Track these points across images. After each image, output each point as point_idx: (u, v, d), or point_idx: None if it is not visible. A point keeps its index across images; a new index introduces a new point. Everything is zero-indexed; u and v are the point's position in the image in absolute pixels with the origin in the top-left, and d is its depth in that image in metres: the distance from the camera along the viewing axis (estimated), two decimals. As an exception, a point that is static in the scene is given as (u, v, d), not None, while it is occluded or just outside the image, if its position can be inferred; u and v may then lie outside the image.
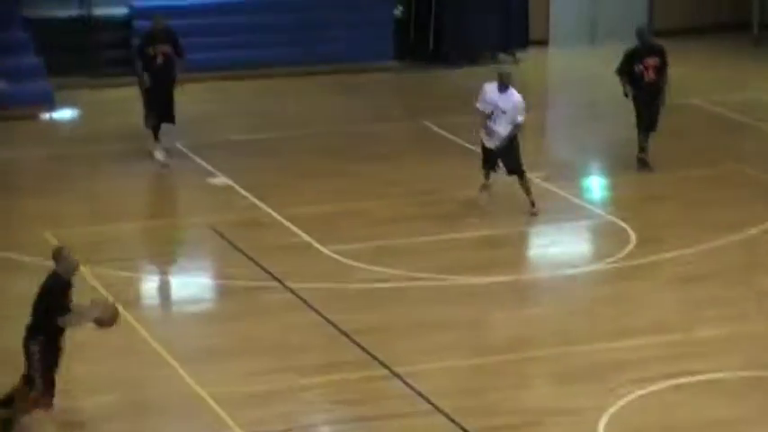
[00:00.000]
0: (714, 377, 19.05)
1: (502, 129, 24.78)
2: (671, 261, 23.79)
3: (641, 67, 27.54)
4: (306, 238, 24.70)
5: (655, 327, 21.19)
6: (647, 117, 27.38)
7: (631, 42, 31.62)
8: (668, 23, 36.09)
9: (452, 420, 18.00)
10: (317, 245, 24.38)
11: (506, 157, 25.06)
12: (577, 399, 18.88)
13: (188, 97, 30.95)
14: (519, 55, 36.40)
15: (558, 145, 31.55)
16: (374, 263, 23.40)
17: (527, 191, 25.33)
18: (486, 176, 25.44)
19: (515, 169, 25.12)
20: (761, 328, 21.13)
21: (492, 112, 24.72)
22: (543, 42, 36.55)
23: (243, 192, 27.67)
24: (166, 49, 29.33)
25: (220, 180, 28.80)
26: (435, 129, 29.95)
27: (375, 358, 19.77)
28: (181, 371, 18.73)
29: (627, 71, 27.67)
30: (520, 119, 24.89)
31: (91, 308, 16.34)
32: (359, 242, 24.43)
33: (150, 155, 29.40)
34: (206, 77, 34.50)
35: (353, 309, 21.59)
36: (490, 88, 24.94)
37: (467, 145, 29.02)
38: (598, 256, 24.54)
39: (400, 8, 35.95)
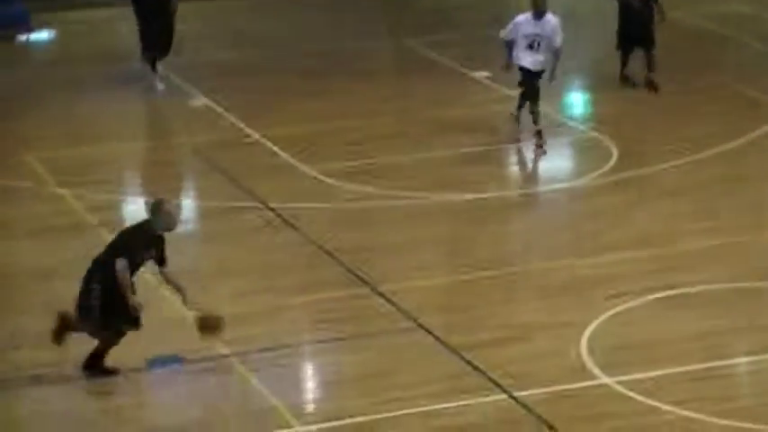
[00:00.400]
0: (697, 289, 19.30)
1: (542, 56, 24.50)
2: (653, 175, 23.99)
3: None
4: (287, 158, 24.76)
5: (638, 241, 21.42)
6: (645, 33, 27.24)
7: None
8: None
9: (436, 337, 18.23)
10: (298, 165, 24.49)
11: (533, 81, 24.74)
12: (561, 313, 19.12)
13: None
14: None
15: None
16: (356, 182, 23.56)
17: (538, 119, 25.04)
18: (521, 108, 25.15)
19: (532, 95, 24.76)
20: (744, 240, 21.39)
21: (532, 42, 24.32)
22: None
23: (224, 112, 27.73)
24: None
25: (202, 101, 28.89)
26: (417, 47, 29.88)
27: (358, 277, 19.96)
28: (163, 292, 18.56)
29: None
30: (558, 41, 24.65)
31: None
32: (341, 161, 24.59)
33: (150, 86, 29.44)
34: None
35: (336, 228, 21.75)
36: (524, 19, 24.49)
37: (449, 63, 29.13)
38: (580, 171, 24.76)
39: None
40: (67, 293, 16.79)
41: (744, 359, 17.95)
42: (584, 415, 16.60)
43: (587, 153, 25.29)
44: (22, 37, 34.31)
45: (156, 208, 16.06)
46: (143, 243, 15.94)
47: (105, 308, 15.88)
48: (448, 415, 16.51)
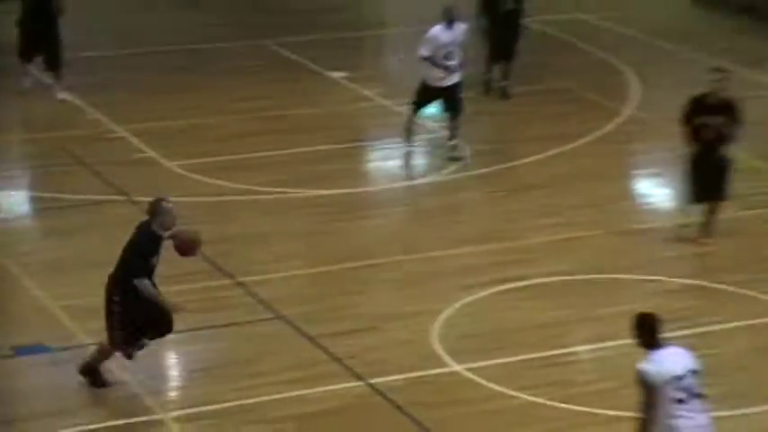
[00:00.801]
0: (541, 281, 19.76)
1: (456, 62, 24.35)
2: (502, 173, 24.25)
3: None
4: (152, 153, 24.56)
5: (487, 235, 21.75)
6: (504, 47, 27.57)
7: None
8: None
9: (296, 327, 18.49)
10: (163, 160, 24.32)
11: (454, 94, 24.61)
12: (414, 303, 19.34)
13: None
14: None
15: (397, 63, 31.61)
16: (219, 177, 23.50)
17: (455, 132, 24.89)
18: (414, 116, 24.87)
19: (457, 107, 24.60)
20: (586, 235, 21.83)
21: (448, 52, 24.24)
22: None
23: (91, 108, 27.38)
24: None
25: (68, 96, 28.50)
26: (279, 48, 29.93)
27: (219, 268, 20.11)
28: (29, 284, 18.96)
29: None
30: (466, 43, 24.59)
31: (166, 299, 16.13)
32: (204, 157, 24.43)
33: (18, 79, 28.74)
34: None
35: (198, 221, 21.09)
36: (438, 30, 24.33)
37: (308, 64, 29.26)
38: (435, 168, 24.84)
39: None
40: None
41: (582, 347, 18.37)
42: (436, 401, 16.82)
43: (439, 149, 25.39)
44: None
45: (154, 208, 15.81)
46: (154, 249, 15.86)
47: (125, 324, 15.78)
48: (307, 401, 16.68)
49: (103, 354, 16.10)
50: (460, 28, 24.25)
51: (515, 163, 24.29)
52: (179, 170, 23.76)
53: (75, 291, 18.94)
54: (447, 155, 24.48)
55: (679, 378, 12.23)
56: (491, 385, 17.13)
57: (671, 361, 12.38)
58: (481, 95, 27.37)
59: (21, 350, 17.59)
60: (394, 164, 25.42)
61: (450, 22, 24.01)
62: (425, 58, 23.96)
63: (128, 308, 15.54)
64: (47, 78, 28.82)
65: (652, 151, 23.12)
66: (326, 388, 16.97)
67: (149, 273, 15.64)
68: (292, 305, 19.21)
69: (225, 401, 16.64)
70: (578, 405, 16.70)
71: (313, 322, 18.77)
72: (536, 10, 27.87)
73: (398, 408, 16.47)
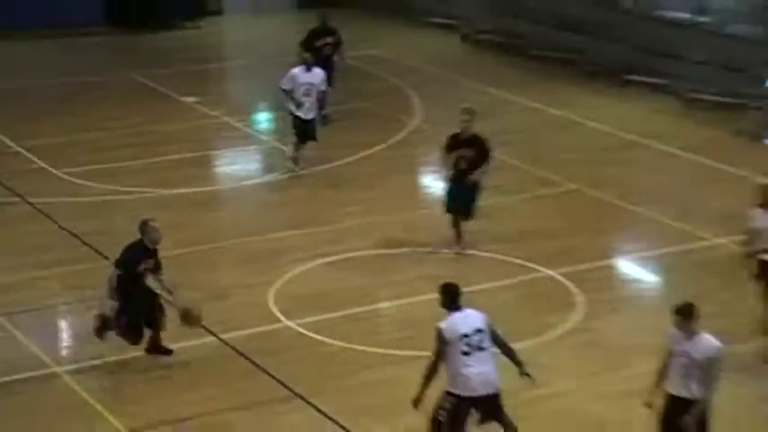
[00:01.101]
0: (353, 255, 19.91)
1: (312, 99, 23.45)
2: (322, 172, 24.16)
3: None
4: (42, 163, 24.07)
5: (310, 220, 21.76)
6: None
7: (285, 11, 32.23)
8: None
9: (164, 296, 18.04)
10: (51, 168, 23.87)
11: (313, 125, 23.77)
12: (253, 276, 19.38)
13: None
14: (201, 23, 35.43)
15: (236, 89, 31.64)
16: (98, 181, 23.11)
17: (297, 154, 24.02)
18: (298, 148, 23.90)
19: (311, 136, 23.74)
20: (385, 218, 21.90)
21: (306, 90, 23.37)
22: (218, 12, 35.91)
23: None
24: None
25: None
26: (143, 79, 29.72)
27: (100, 253, 19.83)
28: None
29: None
30: (323, 87, 23.94)
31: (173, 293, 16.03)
32: (86, 165, 23.95)
33: None
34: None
35: (82, 217, 21.52)
36: (298, 71, 23.57)
37: (166, 91, 28.93)
38: (270, 169, 24.70)
39: None
40: None
41: (386, 304, 18.67)
42: (273, 349, 17.01)
43: (273, 156, 25.32)
44: None
45: (142, 227, 15.69)
46: (140, 256, 15.64)
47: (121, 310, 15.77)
48: (175, 353, 16.63)
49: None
50: (318, 73, 23.70)
51: (332, 164, 24.18)
52: (65, 176, 23.24)
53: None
54: (287, 166, 23.94)
55: (466, 335, 12.54)
56: (317, 336, 17.27)
57: (462, 323, 12.66)
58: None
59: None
60: (237, 167, 25.29)
61: (308, 66, 23.49)
62: (284, 91, 23.47)
63: (124, 305, 15.65)
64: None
65: (432, 153, 23.25)
66: (188, 343, 16.87)
67: (140, 275, 15.67)
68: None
69: (109, 356, 16.49)
70: (385, 349, 16.91)
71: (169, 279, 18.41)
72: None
73: (243, 355, 16.58)
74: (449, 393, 12.71)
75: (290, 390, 15.74)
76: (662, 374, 12.48)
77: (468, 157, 18.73)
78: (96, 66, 30.31)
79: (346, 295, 18.63)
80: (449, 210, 19.40)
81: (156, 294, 15.94)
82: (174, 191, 22.99)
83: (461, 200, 19.25)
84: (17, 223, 21.41)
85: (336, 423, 14.90)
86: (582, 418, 15.16)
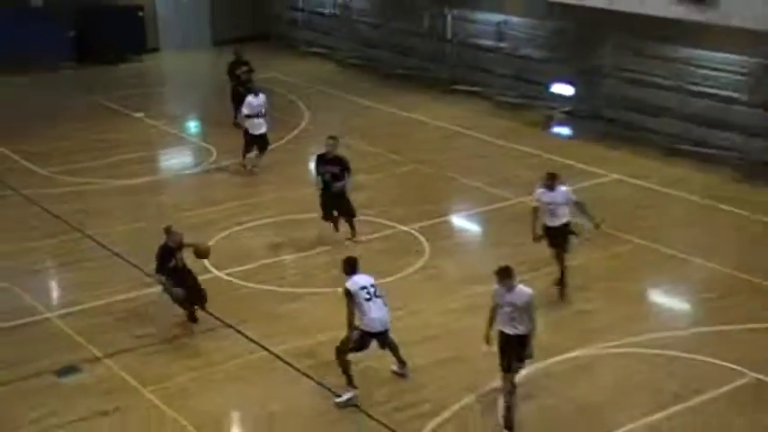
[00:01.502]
0: (266, 221, 19.80)
1: (264, 118, 22.44)
2: (226, 167, 23.78)
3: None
4: (29, 164, 23.39)
5: (231, 197, 21.58)
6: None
7: (204, 48, 31.88)
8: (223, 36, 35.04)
9: (127, 261, 18.30)
10: (37, 168, 23.34)
11: (264, 138, 22.78)
12: (190, 240, 18.61)
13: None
14: (144, 57, 34.08)
15: (171, 106, 30.91)
16: (71, 176, 22.74)
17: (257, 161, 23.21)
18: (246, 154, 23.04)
19: (265, 147, 22.85)
20: (288, 195, 21.60)
21: (259, 111, 22.29)
22: (156, 49, 34.80)
23: None
24: None
25: None
26: (103, 100, 29.02)
27: (75, 228, 19.69)
28: None
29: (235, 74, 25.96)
30: (267, 107, 22.77)
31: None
32: (62, 165, 23.49)
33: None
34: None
35: (61, 202, 21.07)
36: (251, 99, 22.37)
37: (120, 109, 28.16)
38: (198, 162, 24.28)
39: (73, 32, 32.35)
40: None
41: (291, 257, 18.66)
42: (212, 294, 16.34)
43: (198, 153, 24.95)
44: None
45: (167, 232, 15.35)
46: (168, 256, 15.23)
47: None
48: (130, 301, 16.62)
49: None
50: (263, 98, 22.55)
51: (234, 161, 23.86)
52: (47, 173, 22.86)
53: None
54: (250, 167, 23.12)
55: (364, 287, 13.07)
56: (239, 281, 17.37)
57: (359, 280, 13.19)
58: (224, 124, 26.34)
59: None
60: (173, 162, 24.90)
61: (256, 93, 22.45)
62: (247, 115, 22.36)
63: (170, 290, 15.34)
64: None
65: (315, 146, 23.07)
66: (131, 294, 16.88)
67: (171, 270, 15.21)
68: (123, 249, 18.75)
69: (85, 304, 16.54)
70: (291, 288, 17.14)
71: (126, 246, 18.81)
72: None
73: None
74: (357, 328, 13.14)
75: (222, 321, 15.79)
76: (491, 320, 12.64)
77: (332, 173, 18.35)
78: (68, 92, 29.36)
79: (259, 251, 18.70)
80: (324, 216, 18.96)
81: (189, 277, 15.55)
82: (128, 181, 22.44)
83: (334, 207, 18.81)
84: (13, 208, 21.06)
85: (258, 344, 15.06)
86: (429, 328, 15.77)
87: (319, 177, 18.62)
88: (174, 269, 15.15)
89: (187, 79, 32.35)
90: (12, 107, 25.89)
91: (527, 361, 12.83)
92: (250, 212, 20.44)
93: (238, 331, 15.48)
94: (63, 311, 16.38)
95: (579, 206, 16.28)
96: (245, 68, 25.42)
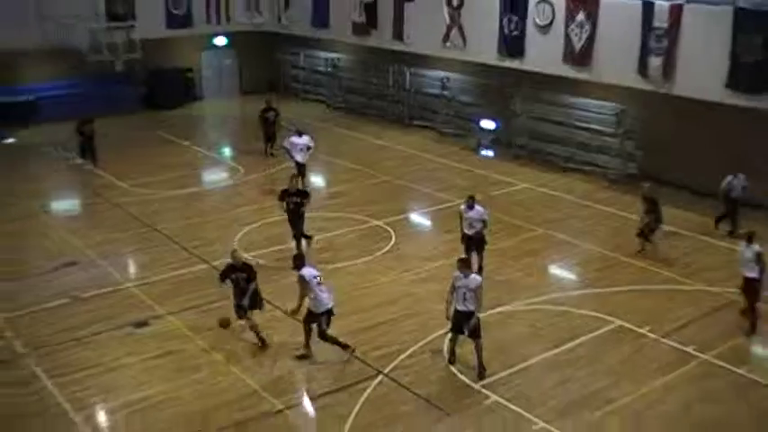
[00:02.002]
0: (276, 219, 18.97)
1: (304, 153, 21.00)
2: (260, 177, 23.23)
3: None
4: (114, 179, 23.00)
5: (254, 201, 21.08)
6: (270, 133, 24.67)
7: (235, 96, 31.31)
8: (248, 87, 34.56)
9: (169, 237, 18.26)
10: (119, 182, 22.81)
11: (303, 168, 21.04)
12: (226, 233, 18.74)
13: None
14: (192, 104, 32.64)
15: (210, 136, 29.79)
16: (141, 188, 22.24)
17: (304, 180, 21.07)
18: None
19: (304, 172, 21.00)
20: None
21: (300, 148, 20.91)
22: (201, 98, 33.48)
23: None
24: None
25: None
26: (163, 134, 28.08)
27: (147, 225, 19.38)
28: None
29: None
30: (311, 144, 21.18)
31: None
32: (135, 180, 22.87)
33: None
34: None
35: (136, 206, 20.66)
36: (294, 138, 21.00)
37: (174, 139, 27.48)
38: (230, 177, 23.61)
39: (144, 88, 31.42)
40: None
41: (293, 243, 18.14)
42: None
43: (230, 170, 24.36)
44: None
45: (232, 254, 13.63)
46: (231, 271, 13.38)
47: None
48: (183, 275, 16.32)
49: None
50: (307, 137, 21.12)
51: (267, 172, 23.47)
52: (126, 186, 22.39)
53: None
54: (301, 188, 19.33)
55: (316, 276, 12.73)
56: (260, 261, 16.89)
57: (310, 270, 12.81)
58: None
59: None
60: (212, 177, 24.23)
61: (300, 133, 21.12)
62: (286, 150, 21.16)
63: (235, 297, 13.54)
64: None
65: (313, 164, 22.97)
66: (184, 270, 16.77)
67: (235, 282, 13.38)
68: (179, 239, 18.46)
69: (154, 277, 16.38)
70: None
71: (181, 236, 18.39)
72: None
73: (214, 268, 16.03)
74: (310, 312, 12.81)
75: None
76: (450, 301, 12.48)
77: (295, 202, 16.80)
78: (140, 129, 28.27)
79: (275, 239, 18.37)
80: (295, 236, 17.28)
81: (247, 294, 13.45)
82: (180, 191, 22.04)
83: (299, 228, 17.13)
84: (104, 211, 20.69)
85: (280, 309, 14.61)
86: (394, 293, 15.80)
87: (283, 206, 17.08)
88: (236, 283, 13.48)
89: (221, 118, 32.18)
90: (102, 141, 25.13)
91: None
92: (266, 212, 19.97)
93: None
94: (138, 282, 16.34)
95: (485, 223, 15.94)
96: (272, 113, 24.43)
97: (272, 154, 24.49)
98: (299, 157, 21.01)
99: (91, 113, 24.74)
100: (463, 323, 12.28)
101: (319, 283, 12.77)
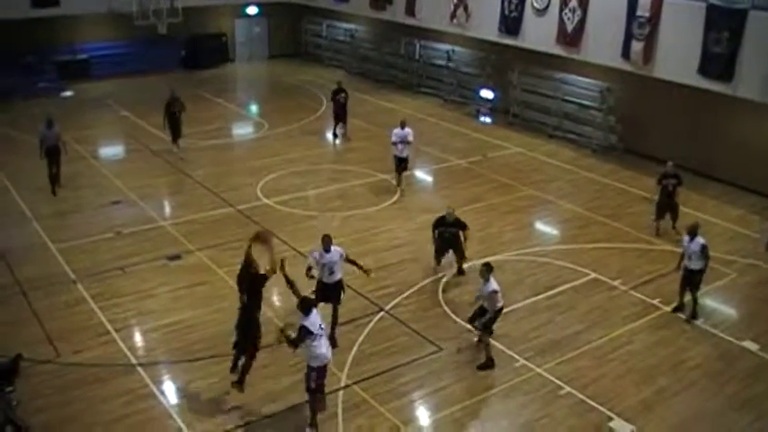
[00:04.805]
0: (298, 169, 19.24)
1: (403, 146, 17.66)
2: (286, 130, 23.01)
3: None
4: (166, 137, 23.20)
5: (278, 152, 20.76)
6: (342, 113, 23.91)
7: (264, 60, 30.85)
8: (275, 52, 34.16)
9: (233, 206, 17.89)
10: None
11: (405, 161, 17.96)
12: (250, 179, 18.64)
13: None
14: (225, 65, 32.08)
15: (240, 95, 29.65)
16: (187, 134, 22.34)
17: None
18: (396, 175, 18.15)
19: (407, 167, 18.16)
20: (308, 152, 20.86)
21: (400, 141, 17.62)
22: (233, 60, 33.16)
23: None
24: None
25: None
26: (199, 92, 27.81)
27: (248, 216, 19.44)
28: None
29: None
30: (411, 139, 17.84)
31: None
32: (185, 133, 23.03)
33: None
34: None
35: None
36: (397, 130, 17.68)
37: (210, 97, 27.15)
38: (256, 131, 23.47)
39: (183, 51, 31.22)
40: None
41: (319, 190, 18.01)
42: (259, 212, 16.49)
43: (257, 125, 24.54)
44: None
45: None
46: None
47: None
48: (212, 216, 16.15)
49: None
50: (407, 131, 17.62)
51: (289, 126, 23.21)
52: (165, 136, 21.75)
53: None
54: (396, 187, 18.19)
55: (322, 326, 9.42)
56: (279, 207, 17.12)
57: (316, 319, 9.37)
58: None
59: None
60: (240, 131, 23.94)
61: (402, 125, 17.67)
62: (393, 143, 17.64)
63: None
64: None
65: (328, 123, 22.90)
66: (213, 212, 16.59)
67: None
68: (210, 184, 18.41)
69: (186, 216, 16.04)
70: (310, 212, 16.61)
71: (210, 182, 18.12)
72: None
73: (248, 217, 16.45)
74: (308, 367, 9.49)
75: (266, 229, 15.47)
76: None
77: (451, 232, 13.56)
78: (178, 87, 26.54)
79: (294, 188, 18.40)
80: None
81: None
82: (213, 141, 21.77)
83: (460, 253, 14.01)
84: (144, 160, 20.26)
85: (289, 245, 14.92)
86: (397, 239, 15.87)
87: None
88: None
89: (250, 79, 31.91)
90: (145, 96, 24.87)
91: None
92: (286, 164, 19.91)
93: (276, 236, 14.96)
94: (172, 221, 16.30)
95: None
96: (343, 95, 21.63)
97: (342, 135, 21.76)
98: (401, 152, 17.68)
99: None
100: (476, 318, 11.36)
101: (321, 335, 9.35)
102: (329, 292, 11.30)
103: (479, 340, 11.56)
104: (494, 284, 10.95)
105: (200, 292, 13.23)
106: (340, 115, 21.87)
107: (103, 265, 14.09)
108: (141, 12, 27.81)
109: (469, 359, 11.49)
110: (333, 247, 11.22)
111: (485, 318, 11.17)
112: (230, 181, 18.59)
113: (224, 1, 31.61)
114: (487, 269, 10.93)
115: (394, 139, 17.91)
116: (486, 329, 11.26)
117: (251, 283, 9.87)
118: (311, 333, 9.18)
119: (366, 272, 11.35)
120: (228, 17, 32.86)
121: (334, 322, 11.54)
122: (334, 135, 22.08)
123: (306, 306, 9.33)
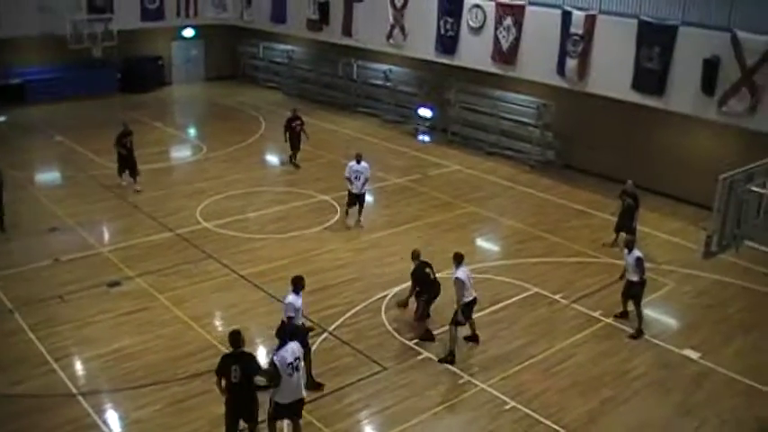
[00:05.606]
0: (234, 193, 19.14)
1: (361, 181, 16.66)
2: (222, 154, 22.83)
3: None
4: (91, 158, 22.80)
5: (216, 176, 20.58)
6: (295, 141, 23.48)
7: (200, 82, 30.57)
8: (211, 74, 33.94)
9: (151, 216, 17.64)
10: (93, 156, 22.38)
11: (362, 198, 16.97)
12: (189, 203, 18.55)
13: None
14: (162, 89, 31.64)
15: (178, 118, 29.43)
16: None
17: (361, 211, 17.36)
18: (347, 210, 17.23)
19: (362, 203, 17.21)
20: (250, 175, 20.83)
21: (355, 175, 16.52)
22: (170, 83, 32.61)
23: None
24: None
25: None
26: (136, 116, 27.39)
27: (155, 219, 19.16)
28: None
29: None
30: (367, 174, 17.00)
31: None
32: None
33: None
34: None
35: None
36: (353, 163, 16.82)
37: (147, 121, 26.59)
38: (194, 154, 23.19)
39: (119, 74, 30.47)
40: None
41: (252, 214, 18.01)
42: (198, 236, 16.28)
43: (195, 148, 24.00)
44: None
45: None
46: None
47: None
48: (151, 241, 16.01)
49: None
50: (363, 165, 16.80)
51: (227, 150, 23.12)
52: (102, 161, 21.47)
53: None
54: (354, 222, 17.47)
55: (297, 358, 9.15)
56: (219, 230, 16.95)
57: (294, 350, 9.09)
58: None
59: None
60: (178, 154, 23.60)
61: (358, 159, 16.68)
62: (347, 178, 16.79)
63: None
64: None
65: (269, 145, 22.85)
66: (152, 237, 16.32)
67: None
68: (148, 209, 18.12)
69: (125, 242, 15.66)
70: (250, 234, 16.56)
71: (149, 207, 18.04)
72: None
73: (187, 240, 16.22)
74: (277, 404, 9.22)
75: (208, 254, 15.58)
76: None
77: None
78: (115, 111, 26.68)
79: (234, 210, 18.26)
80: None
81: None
82: (151, 166, 21.11)
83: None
84: (82, 185, 19.76)
85: (230, 269, 14.81)
86: (340, 260, 15.58)
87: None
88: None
89: (188, 102, 31.50)
90: (81, 121, 24.75)
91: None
92: (226, 186, 19.79)
93: (221, 263, 15.18)
94: (111, 247, 16.00)
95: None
96: (298, 122, 21.47)
97: (296, 165, 21.43)
98: (357, 189, 16.82)
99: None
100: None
101: (296, 368, 8.93)
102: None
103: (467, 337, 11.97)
104: (458, 273, 11.25)
105: (140, 319, 13.02)
106: (296, 143, 21.43)
107: (42, 294, 13.76)
108: (76, 35, 27.31)
109: (413, 378, 11.48)
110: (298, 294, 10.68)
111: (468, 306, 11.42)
112: (169, 205, 18.36)
113: (160, 24, 31.28)
114: (456, 258, 11.38)
115: (348, 174, 16.43)
116: (452, 322, 11.44)
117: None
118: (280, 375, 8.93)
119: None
120: (165, 40, 32.48)
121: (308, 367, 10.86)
122: (295, 165, 21.45)
123: (283, 333, 9.21)
